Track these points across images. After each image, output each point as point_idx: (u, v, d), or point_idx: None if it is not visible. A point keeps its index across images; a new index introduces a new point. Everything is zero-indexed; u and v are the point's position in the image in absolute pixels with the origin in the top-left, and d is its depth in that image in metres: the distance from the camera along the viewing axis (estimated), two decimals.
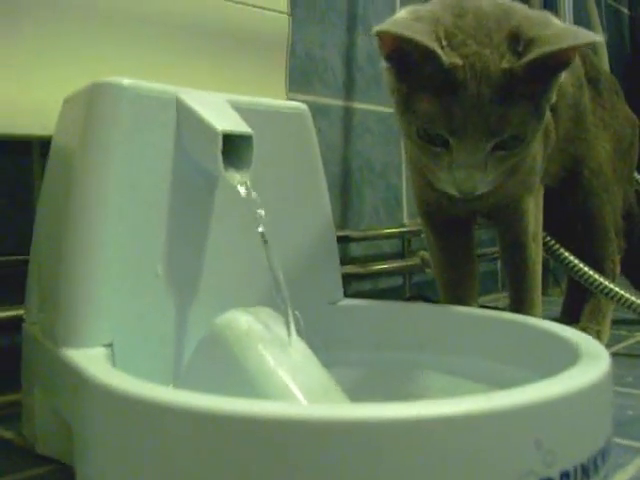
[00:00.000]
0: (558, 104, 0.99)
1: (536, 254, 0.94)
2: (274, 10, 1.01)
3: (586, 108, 1.10)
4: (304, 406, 0.53)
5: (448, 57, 0.66)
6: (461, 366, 0.70)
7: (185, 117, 0.64)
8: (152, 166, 0.63)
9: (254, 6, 0.98)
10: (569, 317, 1.18)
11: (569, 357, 0.55)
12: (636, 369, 0.97)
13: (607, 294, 1.04)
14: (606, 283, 1.04)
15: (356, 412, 0.40)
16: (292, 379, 0.58)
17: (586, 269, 1.05)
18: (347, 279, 1.26)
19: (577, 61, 1.09)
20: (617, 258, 1.18)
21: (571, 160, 1.08)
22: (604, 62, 1.93)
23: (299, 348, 0.61)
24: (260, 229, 0.61)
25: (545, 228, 1.01)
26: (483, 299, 1.53)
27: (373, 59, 1.34)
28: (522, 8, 0.72)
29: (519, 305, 0.94)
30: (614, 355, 1.06)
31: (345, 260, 1.28)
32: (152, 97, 0.63)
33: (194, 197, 0.66)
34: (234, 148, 0.64)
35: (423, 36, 0.65)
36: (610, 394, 0.52)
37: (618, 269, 1.18)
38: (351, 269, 1.25)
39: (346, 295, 0.81)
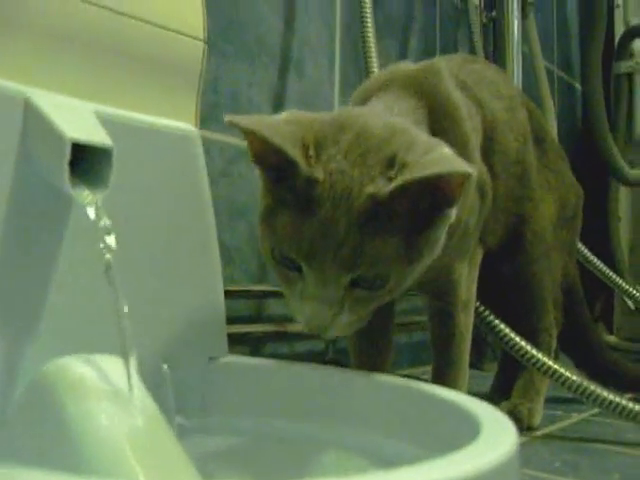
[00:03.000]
0: (497, 162, 0.92)
1: (465, 325, 0.85)
2: (189, 36, 0.92)
3: (532, 165, 1.02)
4: None
5: (309, 169, 0.57)
6: (351, 440, 0.59)
7: (33, 121, 0.54)
8: None
9: (169, 29, 0.89)
10: (500, 393, 1.08)
11: (469, 433, 0.44)
12: (566, 454, 0.86)
13: (540, 368, 0.94)
14: (539, 356, 0.95)
15: None
16: (128, 446, 0.46)
17: (518, 340, 0.95)
18: (262, 339, 1.15)
19: (522, 115, 1.01)
20: (554, 332, 1.09)
21: (514, 220, 1.00)
22: (554, 133, 1.88)
23: (145, 407, 0.49)
24: (107, 258, 0.50)
25: (478, 295, 0.92)
26: (415, 371, 1.43)
27: (305, 104, 1.25)
28: (415, 133, 0.63)
29: (441, 378, 0.84)
30: (546, 437, 0.98)
31: (261, 318, 1.16)
32: None
33: (37, 217, 0.55)
34: (93, 165, 0.54)
35: (284, 139, 0.56)
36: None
37: (554, 343, 1.09)
38: (267, 328, 1.14)
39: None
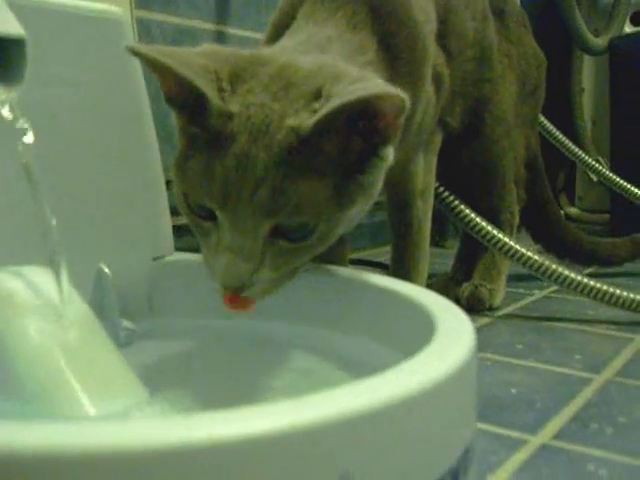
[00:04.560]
0: (452, 45, 0.86)
1: (424, 212, 0.84)
2: None
3: (492, 44, 0.97)
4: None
5: (221, 102, 0.50)
6: (309, 338, 0.57)
7: None
8: None
9: None
10: (461, 273, 1.07)
11: (425, 332, 0.42)
12: (528, 334, 0.86)
13: (501, 249, 0.93)
14: (500, 236, 0.93)
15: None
16: (64, 364, 0.44)
17: (479, 220, 0.93)
18: None
19: None
20: (516, 209, 1.08)
21: (474, 104, 0.96)
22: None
23: (80, 320, 0.46)
24: (25, 159, 0.46)
25: (440, 178, 0.91)
26: (376, 251, 1.42)
27: None
28: (345, 67, 0.56)
29: (399, 265, 0.85)
30: (507, 317, 0.98)
31: None
32: None
33: None
34: (5, 58, 0.49)
35: (193, 71, 0.49)
36: (470, 390, 0.40)
37: (517, 221, 1.08)
38: None
39: None
